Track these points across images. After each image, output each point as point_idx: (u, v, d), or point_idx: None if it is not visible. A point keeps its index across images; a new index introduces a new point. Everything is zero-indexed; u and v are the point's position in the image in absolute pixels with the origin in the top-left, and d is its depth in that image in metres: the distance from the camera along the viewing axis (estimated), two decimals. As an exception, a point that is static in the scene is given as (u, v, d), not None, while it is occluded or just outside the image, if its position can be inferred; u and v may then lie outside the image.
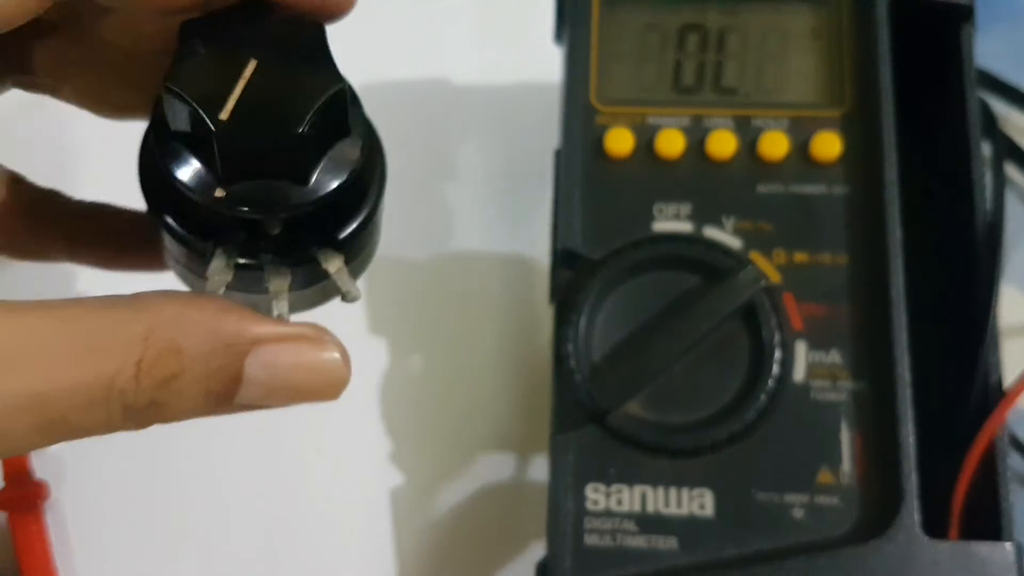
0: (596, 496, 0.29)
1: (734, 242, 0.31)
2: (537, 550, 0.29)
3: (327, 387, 0.24)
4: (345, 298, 0.25)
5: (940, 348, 0.32)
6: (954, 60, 0.33)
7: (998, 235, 0.32)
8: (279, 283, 0.24)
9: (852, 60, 0.32)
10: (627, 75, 0.33)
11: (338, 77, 0.22)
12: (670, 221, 0.31)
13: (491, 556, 0.34)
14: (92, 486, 0.36)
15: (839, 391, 0.30)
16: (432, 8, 0.45)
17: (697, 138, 0.32)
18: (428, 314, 0.38)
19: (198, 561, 0.35)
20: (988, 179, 0.32)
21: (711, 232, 0.31)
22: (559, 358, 0.30)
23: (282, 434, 0.37)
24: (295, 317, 0.25)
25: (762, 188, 0.32)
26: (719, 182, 0.32)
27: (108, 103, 0.28)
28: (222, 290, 0.23)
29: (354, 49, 0.44)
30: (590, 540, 0.29)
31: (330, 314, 0.38)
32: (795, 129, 0.32)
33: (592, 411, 0.30)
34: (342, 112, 0.23)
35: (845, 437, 0.29)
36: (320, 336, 0.23)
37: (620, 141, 0.32)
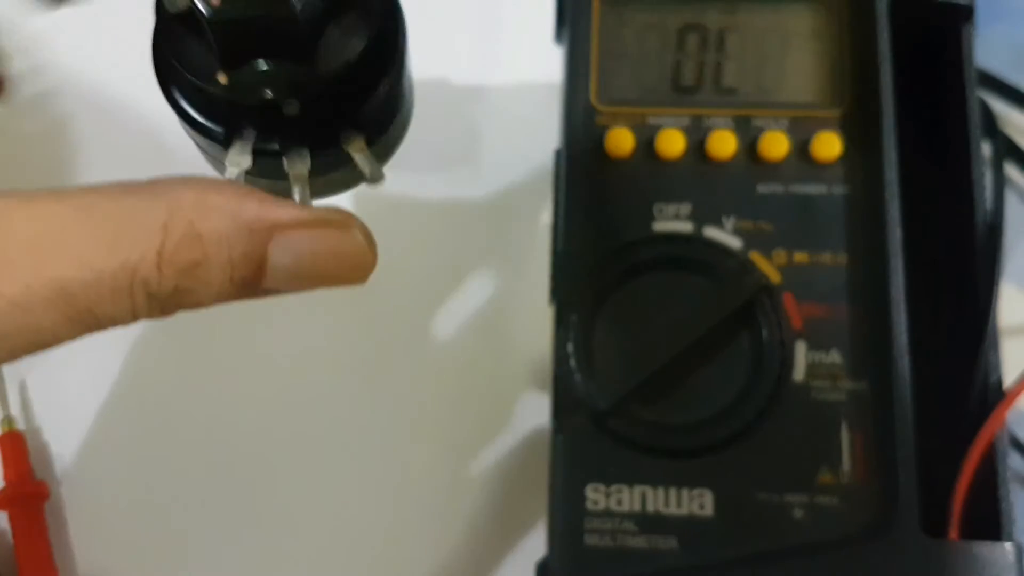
0: (596, 496, 0.29)
1: (734, 242, 0.31)
2: (537, 550, 0.29)
3: (352, 271, 0.24)
4: (370, 181, 0.24)
5: (940, 348, 0.32)
6: (954, 60, 0.33)
7: (998, 235, 0.32)
8: (300, 168, 0.23)
9: (852, 60, 0.32)
10: (627, 75, 0.33)
11: None
12: (670, 221, 0.31)
13: (491, 555, 0.34)
14: (92, 486, 0.36)
15: (839, 391, 0.30)
16: (432, 8, 0.45)
17: (697, 138, 0.32)
18: (427, 314, 0.38)
19: (198, 561, 0.35)
20: (988, 179, 0.32)
21: (711, 232, 0.31)
22: (559, 358, 0.30)
23: (282, 434, 0.37)
24: (321, 203, 0.24)
25: (762, 188, 0.32)
26: (719, 182, 0.32)
27: None
28: (242, 177, 0.23)
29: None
30: (590, 540, 0.29)
31: (328, 315, 0.38)
32: (795, 129, 0.32)
33: (592, 411, 0.30)
34: None
35: (845, 437, 0.29)
36: (344, 220, 0.23)
37: (620, 141, 0.32)
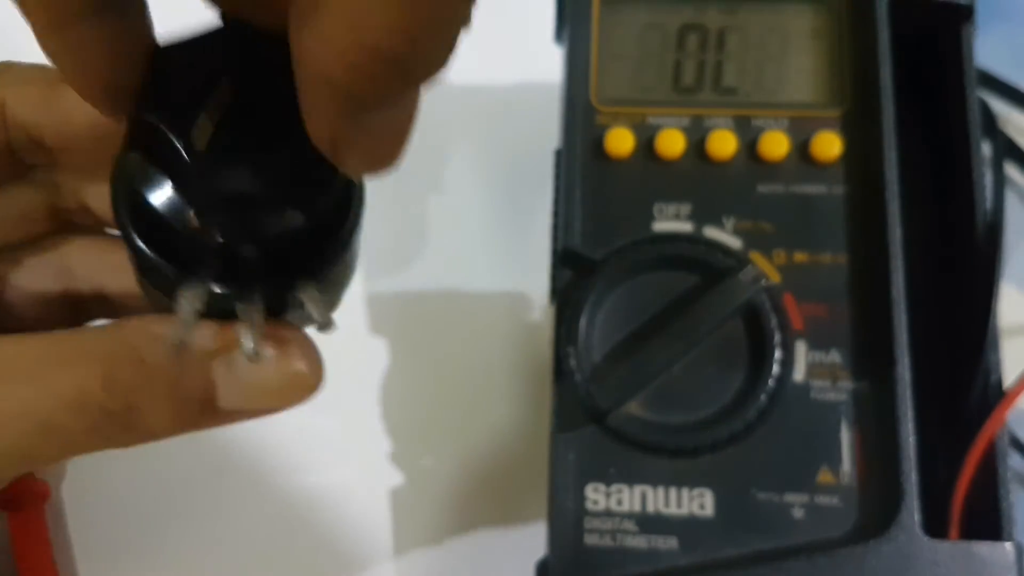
0: (596, 496, 0.29)
1: (734, 242, 0.31)
2: (537, 550, 0.29)
3: (294, 393, 0.25)
4: (320, 328, 0.24)
5: (940, 348, 0.32)
6: (954, 60, 0.33)
7: (998, 235, 0.32)
8: (252, 313, 0.23)
9: (852, 60, 0.32)
10: (627, 75, 0.33)
11: None
12: (670, 221, 0.31)
13: (491, 555, 0.34)
14: (92, 486, 0.36)
15: (839, 391, 0.30)
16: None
17: (697, 138, 0.32)
18: (427, 313, 0.38)
19: (198, 561, 0.35)
20: (988, 179, 0.32)
21: (711, 232, 0.31)
22: (559, 358, 0.30)
23: (282, 435, 0.37)
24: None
25: (762, 188, 0.32)
26: (719, 182, 0.32)
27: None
28: (192, 317, 0.22)
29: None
30: (590, 540, 0.29)
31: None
32: (795, 129, 0.32)
33: (592, 411, 0.30)
34: None
35: (845, 437, 0.29)
36: (287, 346, 0.24)
37: (620, 141, 0.32)
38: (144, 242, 0.23)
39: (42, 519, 0.35)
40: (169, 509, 0.35)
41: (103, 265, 0.29)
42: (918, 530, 0.28)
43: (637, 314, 0.30)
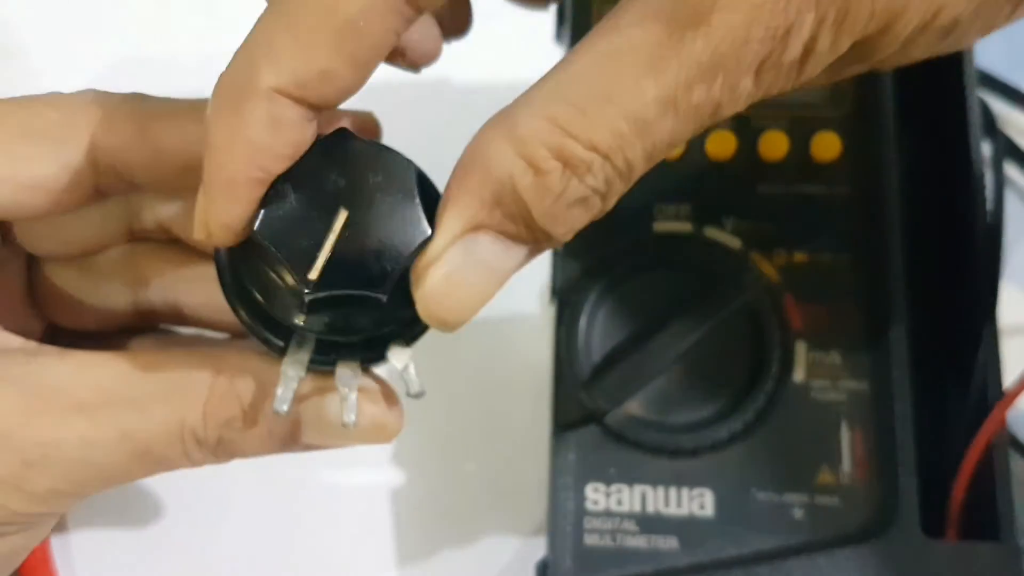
0: (596, 496, 0.29)
1: (734, 242, 0.31)
2: (537, 550, 0.29)
3: (376, 435, 0.27)
4: (410, 394, 0.25)
5: (940, 348, 0.32)
6: (954, 60, 0.33)
7: (998, 235, 0.32)
8: (349, 378, 0.24)
9: (852, 60, 0.32)
10: (627, 75, 0.33)
11: (423, 228, 0.22)
12: (670, 221, 0.31)
13: (491, 555, 0.34)
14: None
15: (839, 391, 0.30)
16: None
17: (697, 138, 0.32)
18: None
19: (198, 561, 0.35)
20: (988, 179, 0.32)
21: (711, 232, 0.31)
22: (559, 358, 0.30)
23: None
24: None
25: (762, 188, 0.32)
26: (719, 182, 0.32)
27: None
28: (294, 384, 0.24)
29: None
30: (590, 540, 0.29)
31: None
32: (795, 129, 0.32)
33: (592, 411, 0.30)
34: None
35: (845, 437, 0.29)
36: (373, 397, 0.26)
37: (620, 141, 0.32)
38: (259, 323, 0.24)
39: (42, 519, 0.35)
40: (170, 510, 0.35)
41: (176, 275, 0.29)
42: (918, 530, 0.28)
43: (637, 314, 0.30)
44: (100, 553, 0.35)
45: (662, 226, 0.31)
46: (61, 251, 0.29)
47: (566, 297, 0.31)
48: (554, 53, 0.34)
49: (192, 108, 0.25)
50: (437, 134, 0.41)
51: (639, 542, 0.29)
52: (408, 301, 0.23)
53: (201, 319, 0.30)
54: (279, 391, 0.24)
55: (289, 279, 0.22)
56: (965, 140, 0.32)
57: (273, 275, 0.23)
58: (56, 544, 0.34)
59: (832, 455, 0.29)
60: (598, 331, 0.31)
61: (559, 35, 0.34)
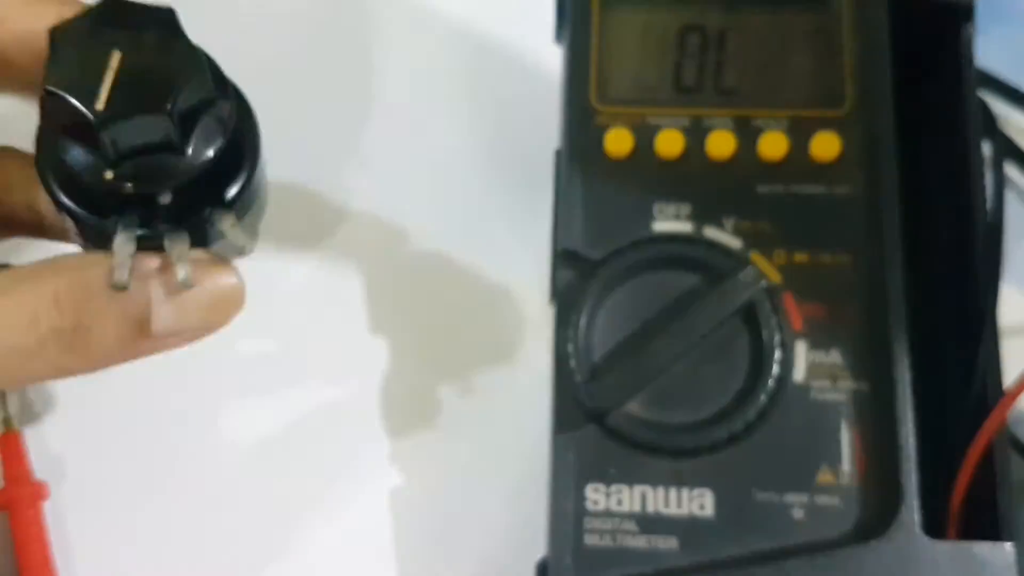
0: (596, 496, 0.29)
1: (734, 242, 0.31)
2: (537, 550, 0.29)
3: (223, 309, 0.28)
4: (242, 252, 0.28)
5: (940, 348, 0.32)
6: (954, 60, 0.33)
7: (998, 235, 0.32)
8: (180, 247, 0.26)
9: (852, 60, 0.32)
10: (627, 75, 0.33)
11: (194, 53, 0.25)
12: (670, 221, 0.31)
13: (491, 555, 0.34)
14: (92, 486, 0.36)
15: (839, 391, 0.30)
16: (433, 7, 0.45)
17: (697, 138, 0.32)
18: (428, 313, 0.38)
19: (198, 561, 0.34)
20: (988, 179, 0.32)
21: (711, 232, 0.31)
22: (559, 358, 0.30)
23: (282, 436, 0.37)
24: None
25: (762, 188, 0.32)
26: (719, 182, 0.32)
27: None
28: (128, 262, 0.26)
29: (354, 49, 0.44)
30: (590, 540, 0.29)
31: (324, 317, 0.38)
32: (795, 129, 0.32)
33: (592, 411, 0.30)
34: (206, 82, 0.25)
35: (845, 437, 0.29)
36: (210, 268, 0.27)
37: (620, 141, 0.32)
38: (74, 203, 0.27)
39: (42, 519, 0.35)
40: (170, 509, 0.35)
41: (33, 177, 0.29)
42: (918, 530, 0.28)
43: (637, 314, 0.30)
44: (100, 552, 0.34)
45: (662, 226, 0.31)
46: None
47: (566, 297, 0.31)
48: (554, 53, 0.34)
49: None
50: (437, 134, 0.42)
51: (639, 542, 0.29)
52: (207, 155, 0.26)
53: (58, 228, 0.30)
54: (114, 262, 0.26)
55: (84, 120, 0.24)
56: (965, 140, 0.32)
57: (75, 147, 0.26)
58: (56, 544, 0.34)
59: (832, 455, 0.29)
60: (598, 331, 0.31)
61: (559, 35, 0.34)
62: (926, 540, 0.28)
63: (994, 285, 0.31)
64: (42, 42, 0.26)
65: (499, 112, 0.42)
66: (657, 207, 0.32)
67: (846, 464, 0.29)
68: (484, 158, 0.41)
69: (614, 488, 0.29)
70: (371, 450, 0.36)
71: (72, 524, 0.34)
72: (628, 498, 0.29)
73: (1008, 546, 0.28)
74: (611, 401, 0.29)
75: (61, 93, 0.24)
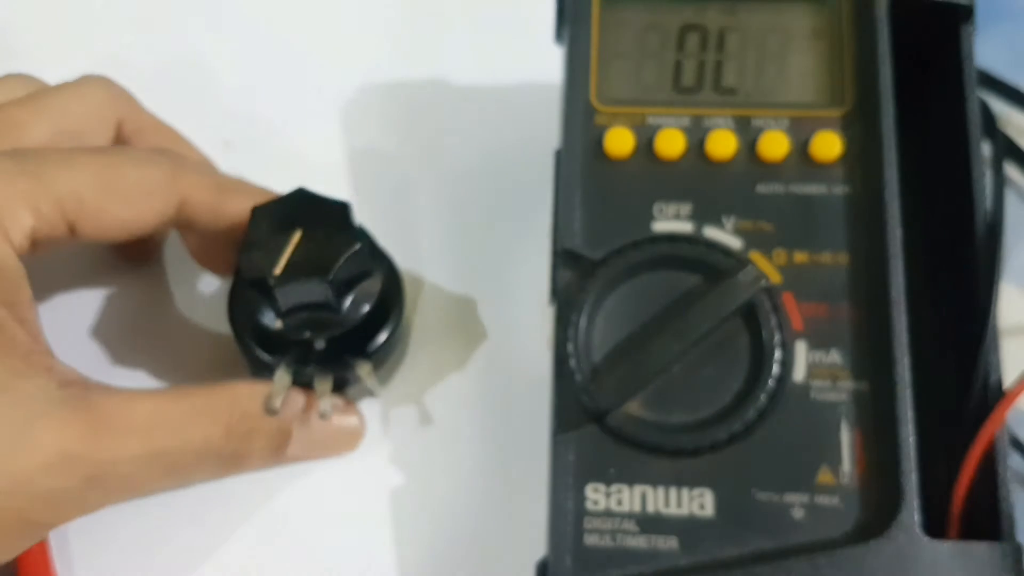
0: (596, 496, 0.29)
1: (734, 242, 0.31)
2: (537, 550, 0.29)
3: (345, 443, 0.35)
4: (372, 395, 0.36)
5: (940, 348, 0.32)
6: (954, 60, 0.33)
7: (998, 235, 0.32)
8: (324, 385, 0.33)
9: (852, 60, 0.32)
10: (627, 75, 0.33)
11: (356, 239, 0.32)
12: (670, 221, 0.31)
13: (491, 555, 0.34)
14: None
15: (839, 391, 0.30)
16: (433, 7, 0.45)
17: (697, 138, 0.32)
18: (428, 312, 0.38)
19: (198, 561, 0.35)
20: (988, 179, 0.32)
21: (711, 232, 0.31)
22: (559, 358, 0.30)
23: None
24: None
25: (762, 188, 0.32)
26: (719, 182, 0.32)
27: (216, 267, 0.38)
28: (284, 391, 0.32)
29: (354, 49, 0.44)
30: (590, 540, 0.29)
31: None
32: (795, 129, 0.32)
33: (592, 411, 0.30)
34: (363, 260, 0.33)
35: (845, 437, 0.29)
36: (344, 408, 0.35)
37: (620, 141, 0.32)
38: (252, 339, 0.34)
39: (42, 519, 0.35)
40: (170, 509, 0.35)
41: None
42: (918, 530, 0.28)
43: (637, 314, 0.30)
44: (99, 553, 0.35)
45: (662, 226, 0.31)
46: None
47: (566, 297, 0.31)
48: (554, 53, 0.34)
49: (248, 188, 0.34)
50: (436, 134, 0.42)
51: (639, 542, 0.29)
52: (357, 315, 0.34)
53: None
54: (273, 391, 0.32)
55: (265, 280, 0.31)
56: (965, 140, 0.32)
57: (258, 299, 0.33)
58: (56, 544, 0.34)
59: (832, 455, 0.29)
60: (598, 331, 0.31)
61: (559, 35, 0.34)
62: (926, 540, 0.28)
63: (994, 285, 0.31)
64: (215, 213, 0.33)
65: (499, 112, 0.42)
66: (657, 207, 0.32)
67: (846, 464, 0.29)
68: (484, 158, 0.41)
69: (614, 488, 0.29)
70: (371, 450, 0.36)
71: (72, 524, 0.34)
72: (628, 498, 0.29)
73: (1008, 546, 0.28)
74: (611, 401, 0.29)
75: (251, 259, 0.31)
